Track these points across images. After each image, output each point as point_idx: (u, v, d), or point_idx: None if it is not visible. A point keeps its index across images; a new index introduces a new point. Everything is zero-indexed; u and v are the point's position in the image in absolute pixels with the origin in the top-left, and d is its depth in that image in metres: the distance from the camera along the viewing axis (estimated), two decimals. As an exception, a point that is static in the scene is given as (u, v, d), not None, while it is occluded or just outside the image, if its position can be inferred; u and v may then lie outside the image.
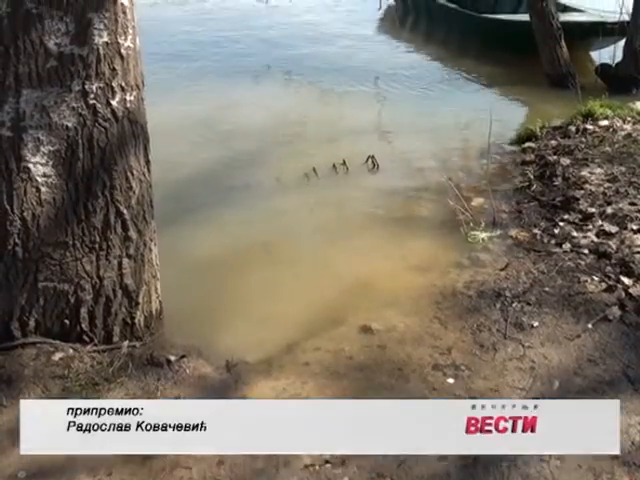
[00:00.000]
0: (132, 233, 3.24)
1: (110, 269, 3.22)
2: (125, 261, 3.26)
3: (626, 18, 7.75)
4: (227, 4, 12.15)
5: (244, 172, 5.62)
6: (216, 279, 4.03)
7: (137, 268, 3.32)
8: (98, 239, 3.16)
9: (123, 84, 3.08)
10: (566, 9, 9.34)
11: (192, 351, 3.32)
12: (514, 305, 3.68)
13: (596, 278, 3.90)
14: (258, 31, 10.60)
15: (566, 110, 6.68)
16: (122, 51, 3.05)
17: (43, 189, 3.03)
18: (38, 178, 3.01)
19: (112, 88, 3.04)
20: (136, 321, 3.37)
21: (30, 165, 2.99)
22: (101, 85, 3.00)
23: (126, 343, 3.28)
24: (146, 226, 3.33)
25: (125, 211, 3.19)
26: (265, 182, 5.42)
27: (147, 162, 3.32)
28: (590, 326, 3.51)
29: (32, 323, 3.19)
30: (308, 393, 3.05)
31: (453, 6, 10.37)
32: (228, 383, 3.15)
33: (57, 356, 3.15)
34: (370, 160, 5.76)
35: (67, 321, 3.22)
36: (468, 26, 9.89)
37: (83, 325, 3.23)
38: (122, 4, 3.01)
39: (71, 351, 3.19)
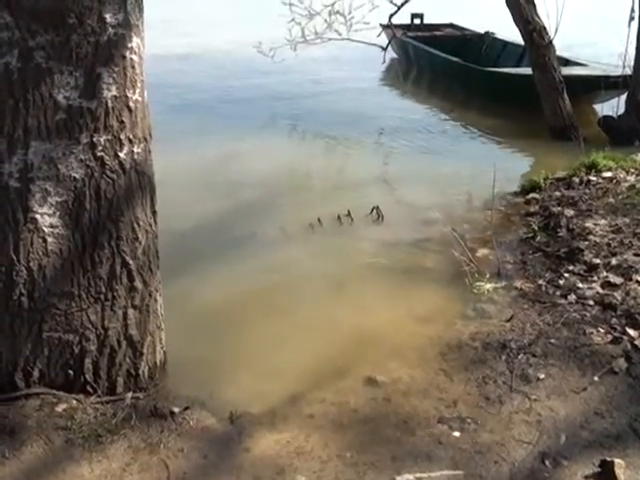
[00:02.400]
0: (138, 283, 3.25)
1: (115, 319, 3.23)
2: (130, 311, 3.26)
3: (629, 72, 7.84)
4: (231, 57, 12.32)
5: (249, 222, 5.65)
6: (221, 329, 4.02)
7: (142, 319, 3.32)
8: (104, 289, 3.17)
9: (131, 136, 3.11)
10: (568, 63, 9.44)
11: (196, 402, 3.30)
12: (520, 357, 3.67)
13: (602, 330, 3.88)
14: (263, 84, 10.74)
15: (569, 162, 6.72)
16: (130, 104, 3.08)
17: (50, 239, 3.05)
18: (45, 229, 3.03)
19: (120, 140, 3.07)
20: (140, 372, 3.35)
21: (37, 216, 3.01)
22: (109, 137, 3.04)
23: (130, 394, 3.26)
24: (151, 276, 3.34)
25: (131, 261, 3.21)
26: (270, 232, 5.44)
27: (153, 213, 3.34)
28: (596, 379, 3.49)
29: (36, 373, 3.18)
30: (312, 446, 3.03)
31: (456, 60, 10.49)
32: (231, 435, 3.12)
33: (60, 407, 3.14)
34: (375, 211, 5.79)
35: (71, 372, 3.21)
36: (471, 79, 9.99)
37: (87, 376, 3.22)
38: (131, 59, 3.05)
39: (74, 402, 3.17)
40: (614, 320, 3.97)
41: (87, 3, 2.87)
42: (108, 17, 2.94)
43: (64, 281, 3.10)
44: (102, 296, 3.17)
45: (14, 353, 3.14)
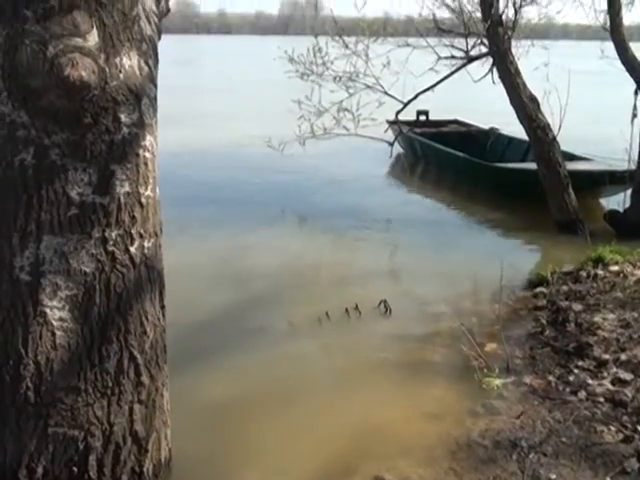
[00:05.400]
0: (145, 378, 3.24)
1: (121, 415, 3.20)
2: (136, 407, 3.23)
3: (633, 167, 7.96)
4: (240, 151, 12.50)
5: (257, 315, 5.64)
6: (227, 425, 3.98)
7: (148, 414, 3.29)
8: (110, 384, 3.15)
9: (142, 231, 3.16)
10: (574, 158, 9.57)
11: (200, 502, 3.24)
12: (531, 456, 3.60)
13: (613, 428, 3.82)
14: (272, 178, 10.89)
15: (576, 256, 6.75)
16: (142, 200, 3.15)
17: (58, 333, 3.05)
18: (54, 322, 3.04)
19: (131, 235, 3.12)
20: (144, 469, 3.30)
21: (47, 309, 3.03)
22: (120, 232, 3.08)
23: (133, 493, 3.21)
24: (159, 371, 3.33)
25: (139, 356, 3.20)
26: (278, 326, 5.43)
27: (162, 307, 3.36)
28: (608, 479, 3.42)
29: (40, 470, 3.12)
30: None
31: (462, 155, 10.65)
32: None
33: (63, 506, 3.08)
34: (382, 304, 5.78)
35: (75, 468, 3.15)
36: (477, 174, 10.12)
37: (91, 473, 3.16)
38: (144, 156, 3.13)
39: (77, 501, 3.11)
40: (625, 418, 3.91)
41: (103, 104, 2.96)
42: (123, 117, 3.03)
43: (71, 375, 3.09)
44: (109, 391, 3.15)
45: (19, 449, 3.11)
